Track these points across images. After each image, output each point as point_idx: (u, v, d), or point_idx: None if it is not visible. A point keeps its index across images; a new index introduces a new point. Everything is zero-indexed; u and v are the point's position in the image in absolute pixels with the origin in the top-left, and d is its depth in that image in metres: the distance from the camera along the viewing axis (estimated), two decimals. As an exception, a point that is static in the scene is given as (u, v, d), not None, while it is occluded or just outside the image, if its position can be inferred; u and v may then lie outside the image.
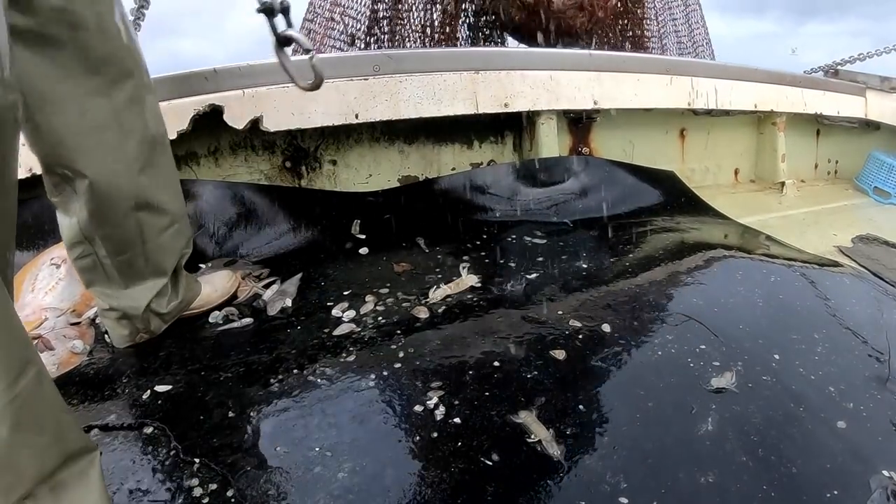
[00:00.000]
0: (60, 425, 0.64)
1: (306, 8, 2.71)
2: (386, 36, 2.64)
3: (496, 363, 0.98)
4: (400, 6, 2.60)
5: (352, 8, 2.61)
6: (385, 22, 2.61)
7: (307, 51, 1.01)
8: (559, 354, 1.00)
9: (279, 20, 1.02)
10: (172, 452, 0.79)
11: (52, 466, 0.61)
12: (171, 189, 1.06)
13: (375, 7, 2.58)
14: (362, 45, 2.61)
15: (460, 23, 2.69)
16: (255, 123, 1.46)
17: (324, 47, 2.62)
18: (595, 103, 1.86)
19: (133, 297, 1.03)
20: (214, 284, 1.20)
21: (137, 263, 1.02)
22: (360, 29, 2.60)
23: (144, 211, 0.99)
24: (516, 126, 1.92)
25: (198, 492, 0.73)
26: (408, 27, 2.63)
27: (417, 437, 0.82)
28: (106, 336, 1.08)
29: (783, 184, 2.34)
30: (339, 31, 2.63)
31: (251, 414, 0.86)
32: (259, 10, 0.99)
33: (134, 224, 0.99)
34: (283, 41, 1.02)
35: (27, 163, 1.23)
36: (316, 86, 1.05)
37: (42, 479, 0.60)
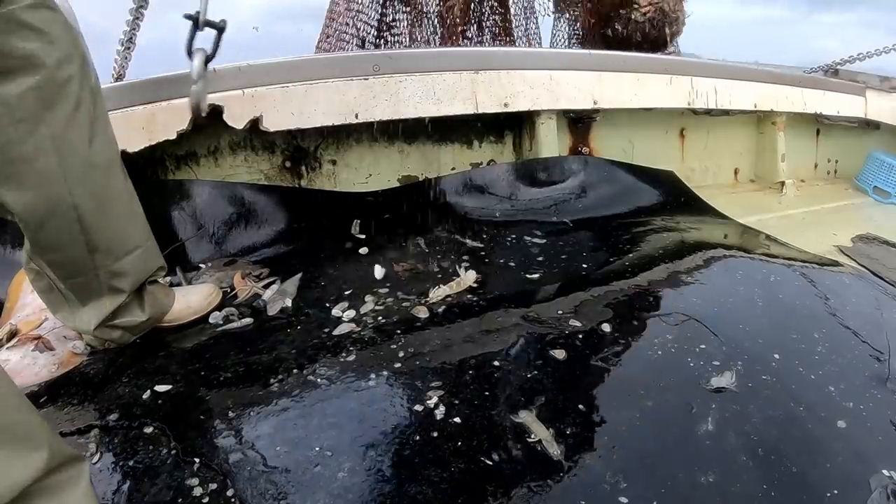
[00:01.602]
0: (33, 431, 0.63)
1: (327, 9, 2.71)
2: (396, 38, 2.63)
3: (496, 363, 0.98)
4: (409, 10, 2.60)
5: (363, 13, 2.60)
6: (396, 24, 2.60)
7: (193, 77, 0.98)
8: (559, 354, 1.00)
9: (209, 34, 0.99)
10: (172, 452, 0.79)
11: (32, 477, 0.60)
12: (127, 215, 1.01)
13: (385, 12, 2.58)
14: (373, 48, 2.60)
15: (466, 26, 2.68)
16: (255, 123, 1.46)
17: (339, 50, 2.62)
18: (595, 103, 1.86)
19: (84, 319, 1.00)
20: (189, 300, 1.15)
21: (92, 285, 0.98)
22: (370, 33, 2.60)
23: (93, 239, 0.93)
24: (516, 126, 1.92)
25: (198, 492, 0.73)
26: (418, 31, 2.62)
27: (417, 437, 0.82)
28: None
29: (783, 183, 2.34)
30: (351, 34, 2.63)
31: (251, 414, 0.86)
32: (185, 16, 0.96)
33: (82, 251, 0.93)
34: (189, 53, 1.00)
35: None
36: (193, 111, 1.02)
37: (22, 489, 0.59)
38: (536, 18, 2.97)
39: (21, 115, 0.83)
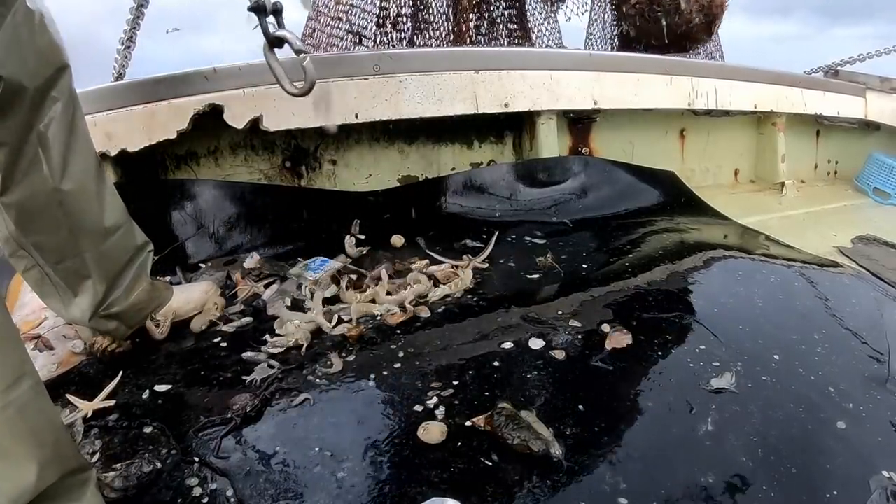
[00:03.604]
0: (59, 443, 0.65)
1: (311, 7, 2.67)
2: (402, 34, 2.59)
3: (496, 363, 0.98)
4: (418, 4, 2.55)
5: (358, 6, 2.56)
6: (402, 19, 2.56)
7: (298, 52, 0.98)
8: (559, 354, 1.00)
9: (271, 21, 1.00)
10: (172, 452, 0.79)
11: (49, 483, 0.62)
12: (105, 196, 1.00)
13: (385, 5, 2.54)
14: (371, 45, 2.57)
15: (473, 25, 2.65)
16: (255, 123, 1.46)
17: (328, 47, 2.59)
18: (595, 103, 1.86)
19: (78, 308, 0.99)
20: (188, 296, 1.14)
21: (80, 270, 0.97)
22: (367, 27, 2.56)
23: (77, 221, 0.94)
24: (516, 126, 1.92)
25: (198, 492, 0.73)
26: (428, 27, 2.58)
27: (417, 437, 0.82)
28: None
29: (783, 184, 2.34)
30: (344, 29, 2.58)
31: (251, 414, 0.86)
32: (250, 9, 0.97)
33: (67, 233, 0.93)
34: (273, 42, 1.00)
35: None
36: (306, 91, 1.02)
37: (38, 497, 0.60)
38: (556, 13, 2.94)
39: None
